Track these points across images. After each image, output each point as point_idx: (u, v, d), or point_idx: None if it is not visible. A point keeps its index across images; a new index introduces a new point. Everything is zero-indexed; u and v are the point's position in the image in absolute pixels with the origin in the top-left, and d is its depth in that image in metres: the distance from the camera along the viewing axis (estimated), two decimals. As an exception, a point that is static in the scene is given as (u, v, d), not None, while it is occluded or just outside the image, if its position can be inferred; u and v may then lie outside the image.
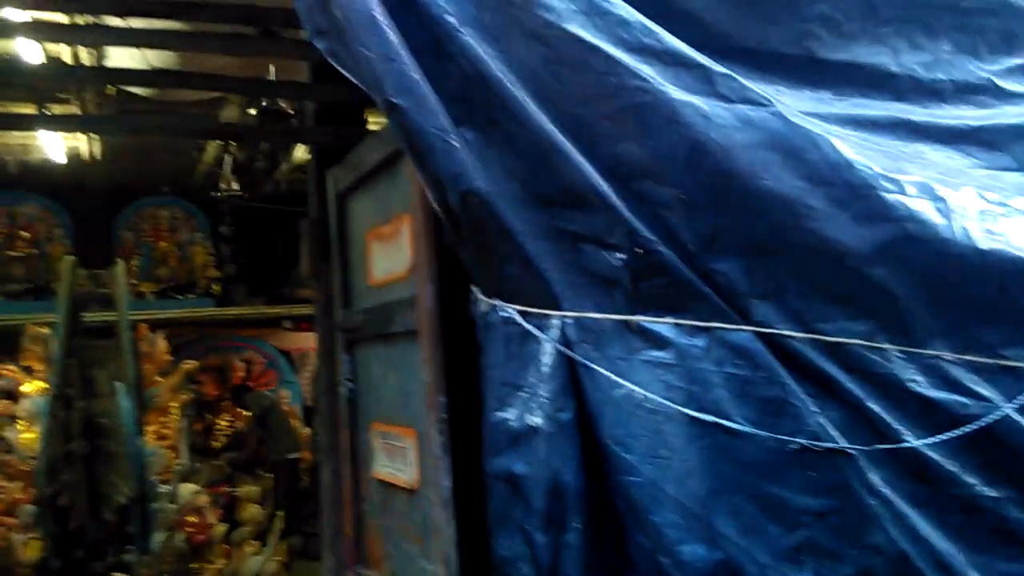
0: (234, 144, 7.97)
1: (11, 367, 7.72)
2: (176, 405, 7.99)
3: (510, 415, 1.77)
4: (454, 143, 1.75)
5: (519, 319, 1.78)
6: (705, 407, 1.73)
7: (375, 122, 3.84)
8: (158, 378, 7.44)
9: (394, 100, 1.78)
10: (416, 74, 1.75)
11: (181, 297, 9.85)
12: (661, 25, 1.78)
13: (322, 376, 3.54)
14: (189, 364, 7.96)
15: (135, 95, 6.47)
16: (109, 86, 6.02)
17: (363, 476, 3.30)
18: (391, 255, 2.95)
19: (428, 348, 2.45)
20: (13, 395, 8.23)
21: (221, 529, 6.44)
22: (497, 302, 1.83)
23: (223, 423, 10.13)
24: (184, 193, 10.15)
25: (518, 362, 1.78)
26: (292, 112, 5.35)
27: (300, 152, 8.41)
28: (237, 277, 10.41)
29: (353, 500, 3.33)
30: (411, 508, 2.81)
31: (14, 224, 9.55)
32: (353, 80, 1.90)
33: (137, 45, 4.10)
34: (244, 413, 10.53)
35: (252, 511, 6.84)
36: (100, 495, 6.01)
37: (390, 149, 2.88)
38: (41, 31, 4.14)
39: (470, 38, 1.73)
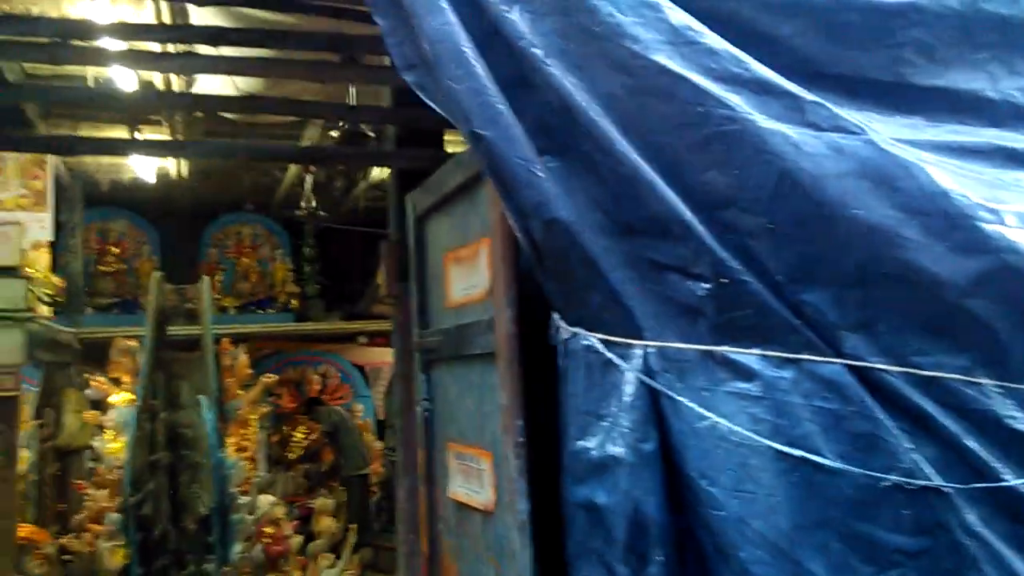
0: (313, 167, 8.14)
1: (100, 378, 8.00)
2: (255, 418, 8.17)
3: (591, 444, 1.75)
4: (538, 173, 1.75)
5: (601, 348, 1.76)
6: (793, 441, 1.68)
7: (453, 141, 3.87)
8: (239, 391, 7.62)
9: (480, 131, 1.78)
10: (502, 105, 1.76)
11: (261, 312, 10.07)
12: (749, 52, 1.76)
13: (400, 395, 3.57)
14: (269, 378, 8.11)
15: (222, 118, 6.67)
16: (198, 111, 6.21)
17: (439, 495, 3.31)
18: (469, 277, 2.96)
19: (506, 371, 2.45)
20: (101, 405, 8.53)
21: (297, 541, 6.54)
22: (579, 330, 1.82)
23: (299, 435, 10.31)
24: (266, 210, 10.40)
25: (600, 391, 1.76)
26: (371, 135, 5.44)
27: (377, 172, 8.56)
28: (314, 293, 10.61)
29: (429, 519, 3.34)
30: (486, 530, 2.80)
31: (105, 240, 9.91)
32: (440, 112, 1.92)
33: (227, 73, 4.23)
34: (317, 426, 10.71)
35: (327, 523, 6.93)
36: (182, 505, 6.17)
37: (470, 173, 2.90)
38: (136, 59, 4.29)
39: (556, 69, 1.73)
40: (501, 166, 1.78)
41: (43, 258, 7.84)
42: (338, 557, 6.14)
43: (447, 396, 3.21)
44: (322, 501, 7.76)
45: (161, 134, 7.29)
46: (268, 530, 6.64)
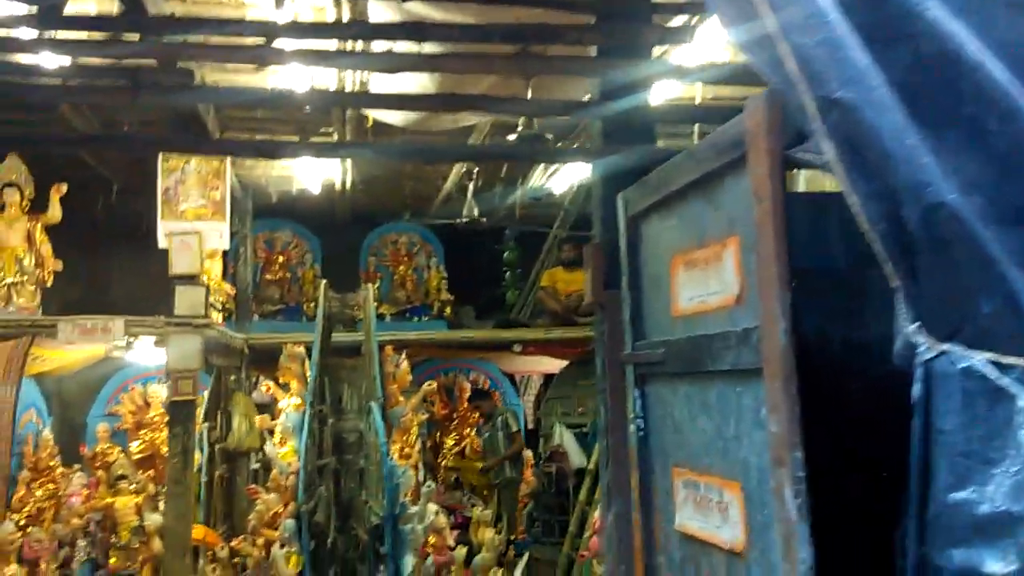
0: (474, 173, 7.94)
1: (269, 383, 8.01)
2: (416, 425, 8.00)
3: (974, 496, 1.31)
4: (917, 146, 1.33)
5: (990, 371, 1.32)
6: None
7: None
8: (400, 398, 7.44)
9: (838, 95, 1.37)
10: (866, 61, 1.34)
11: (416, 319, 9.95)
12: None
13: (607, 412, 3.19)
14: (431, 384, 7.92)
15: (389, 126, 6.52)
16: (369, 116, 6.06)
17: (657, 524, 2.91)
18: (705, 283, 2.55)
19: (779, 392, 2.02)
20: (269, 410, 8.55)
21: (461, 552, 6.27)
22: (954, 347, 1.38)
23: (450, 442, 10.12)
24: (422, 218, 10.31)
25: (986, 427, 1.32)
26: (548, 136, 5.11)
27: (536, 179, 8.27)
28: (465, 300, 10.42)
29: (645, 550, 2.94)
30: (732, 572, 2.37)
31: (271, 249, 10.03)
32: (773, 79, 1.51)
33: (406, 69, 3.98)
34: (470, 434, 10.49)
35: (487, 534, 6.63)
36: (349, 512, 5.99)
37: (708, 167, 2.49)
38: (312, 58, 4.10)
39: (937, 12, 1.30)
40: (866, 137, 1.37)
41: (216, 267, 7.92)
42: (510, 571, 5.81)
43: (671, 416, 2.80)
44: (480, 511, 7.48)
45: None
46: (431, 540, 6.40)
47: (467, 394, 10.73)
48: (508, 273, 10.50)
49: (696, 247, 2.61)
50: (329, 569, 5.57)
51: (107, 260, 10.59)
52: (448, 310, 10.04)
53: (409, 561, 5.40)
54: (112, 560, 9.53)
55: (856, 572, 2.43)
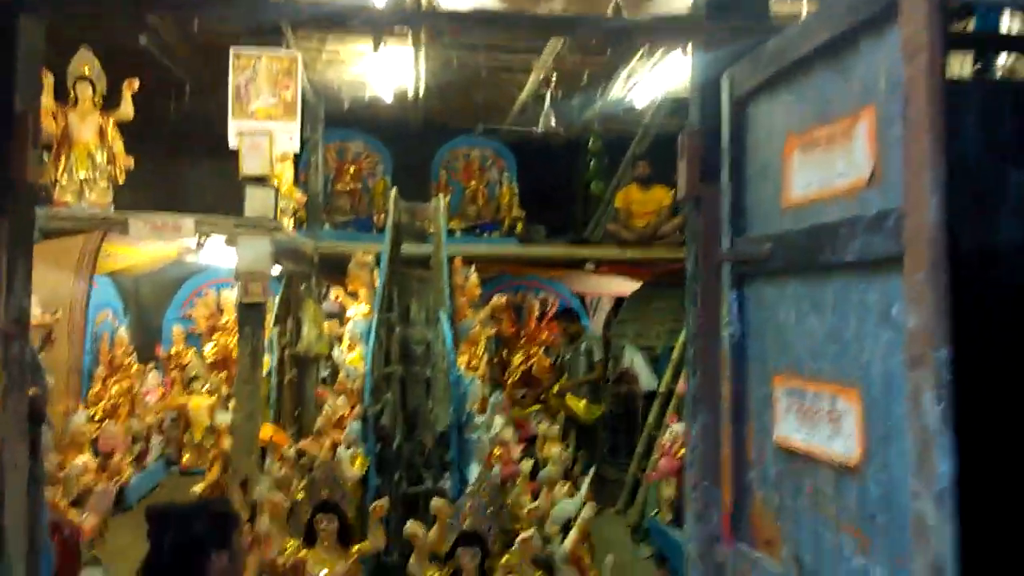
0: (552, 80, 7.56)
1: (338, 291, 7.91)
2: (483, 338, 7.83)
3: None
4: None
5: None
6: None
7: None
8: (469, 311, 7.26)
9: None
10: None
11: (486, 235, 9.69)
12: None
13: (697, 317, 2.89)
14: (500, 299, 7.73)
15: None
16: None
17: (750, 437, 2.64)
18: (827, 165, 2.22)
19: (925, 281, 1.71)
20: (340, 317, 8.48)
21: (527, 465, 6.12)
22: None
23: (516, 360, 9.96)
24: (495, 130, 9.98)
25: None
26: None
27: (617, 90, 7.84)
28: (536, 218, 10.12)
29: (735, 466, 2.68)
30: (843, 491, 2.10)
31: (343, 160, 9.84)
32: None
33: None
34: (537, 352, 10.33)
35: (554, 450, 6.46)
36: (418, 420, 5.88)
37: (840, 28, 2.13)
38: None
39: None
40: None
41: (288, 172, 7.75)
42: (576, 487, 5.64)
43: (774, 318, 2.50)
44: (547, 427, 7.32)
45: (404, 45, 6.92)
46: (497, 451, 6.27)
47: (535, 313, 10.54)
48: (597, 185, 10.13)
49: (818, 125, 2.26)
50: (394, 472, 5.47)
51: (179, 161, 10.57)
52: (519, 227, 9.75)
53: (474, 469, 5.26)
54: (185, 457, 9.76)
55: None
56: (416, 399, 6.05)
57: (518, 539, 4.57)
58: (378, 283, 6.89)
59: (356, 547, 4.67)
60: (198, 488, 7.27)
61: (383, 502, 4.74)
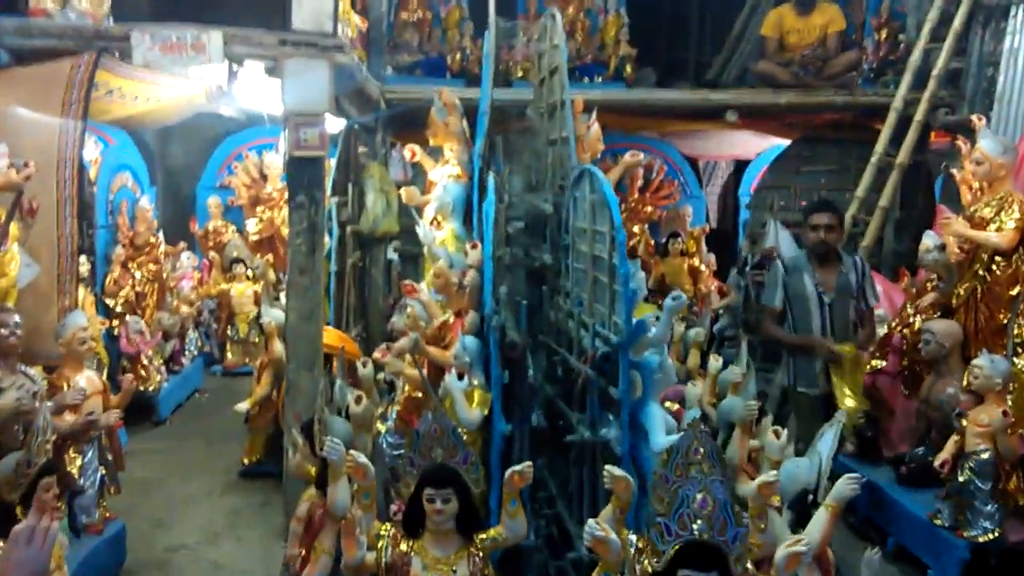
0: None
1: (414, 147, 5.81)
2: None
3: None
4: None
5: None
6: None
7: None
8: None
9: None
10: None
11: (587, 80, 7.40)
12: None
13: None
14: (633, 156, 5.60)
15: None
16: None
17: None
18: None
19: None
20: (419, 184, 6.34)
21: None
22: None
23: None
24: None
25: None
26: None
27: None
28: (645, 60, 7.78)
29: None
30: None
31: (407, -17, 7.46)
32: None
33: None
34: (643, 231, 8.26)
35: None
36: (559, 335, 3.90)
37: None
38: None
39: None
40: None
41: (343, -14, 5.48)
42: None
43: None
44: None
45: None
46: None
47: (639, 182, 8.37)
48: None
49: None
50: (531, 415, 3.52)
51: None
52: (629, 68, 7.44)
53: (654, 412, 3.29)
54: (229, 355, 7.98)
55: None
56: (554, 303, 4.06)
57: (756, 482, 2.74)
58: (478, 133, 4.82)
59: (483, 536, 2.79)
60: (243, 406, 5.45)
61: (526, 468, 2.79)
